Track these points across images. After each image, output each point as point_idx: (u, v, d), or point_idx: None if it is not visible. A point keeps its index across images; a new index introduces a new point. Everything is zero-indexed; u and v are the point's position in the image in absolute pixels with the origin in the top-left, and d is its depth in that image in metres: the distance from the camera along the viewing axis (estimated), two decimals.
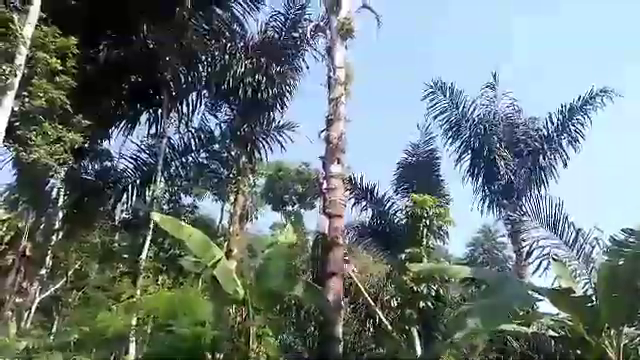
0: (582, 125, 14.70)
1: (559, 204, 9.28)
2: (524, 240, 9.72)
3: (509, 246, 15.07)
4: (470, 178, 15.43)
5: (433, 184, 15.19)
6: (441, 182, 15.68)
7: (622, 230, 6.63)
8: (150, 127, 16.15)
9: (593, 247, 8.43)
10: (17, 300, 11.91)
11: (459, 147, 15.84)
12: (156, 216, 11.87)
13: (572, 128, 14.77)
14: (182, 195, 16.74)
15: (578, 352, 7.85)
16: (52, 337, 11.32)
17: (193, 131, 16.52)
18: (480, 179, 15.01)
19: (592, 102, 14.65)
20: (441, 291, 11.44)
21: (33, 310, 14.69)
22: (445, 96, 16.04)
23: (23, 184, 12.93)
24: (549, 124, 15.17)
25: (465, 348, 15.53)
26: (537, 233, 9.15)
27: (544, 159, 14.89)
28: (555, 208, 9.34)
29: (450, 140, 15.90)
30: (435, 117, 16.01)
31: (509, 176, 14.30)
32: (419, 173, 15.49)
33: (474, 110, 15.97)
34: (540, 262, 8.85)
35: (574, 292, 6.72)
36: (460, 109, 15.93)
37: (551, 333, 7.89)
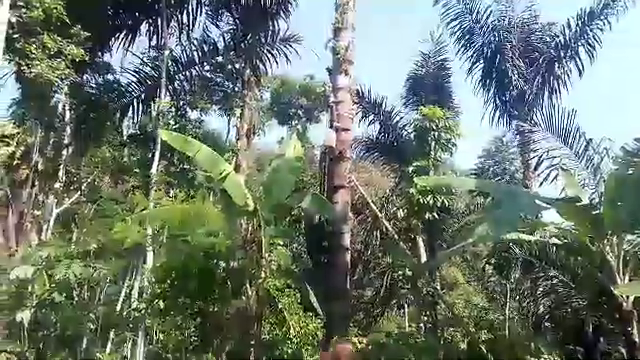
0: (601, 31, 13.97)
1: (571, 114, 9.09)
2: (534, 151, 9.64)
3: (519, 158, 15.03)
4: (482, 89, 15.05)
5: (443, 97, 14.87)
6: (451, 94, 15.35)
7: (635, 139, 6.53)
8: (151, 39, 15.64)
9: (602, 158, 8.37)
10: (35, 212, 12.33)
11: (471, 56, 15.25)
12: (164, 133, 11.87)
13: (590, 34, 14.06)
14: (188, 110, 16.57)
15: (579, 259, 8.10)
16: (72, 247, 11.84)
17: (195, 43, 15.98)
18: (492, 89, 14.61)
19: (613, 6, 13.81)
20: (446, 202, 11.65)
21: (52, 223, 15.26)
22: (459, 1, 15.18)
23: (28, 99, 12.84)
24: (566, 30, 14.42)
25: (469, 256, 16.22)
26: (547, 144, 9.07)
27: (559, 67, 14.35)
28: (567, 118, 9.16)
29: (462, 49, 15.27)
30: (448, 24, 15.26)
31: (521, 86, 13.89)
32: (429, 85, 15.11)
33: (488, 16, 15.16)
34: (549, 173, 8.87)
35: (580, 200, 6.79)
36: (474, 15, 15.13)
37: (554, 241, 8.10)
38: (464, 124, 11.99)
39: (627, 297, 6.81)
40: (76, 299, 9.30)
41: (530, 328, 10.97)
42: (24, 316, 9.04)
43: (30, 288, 9.04)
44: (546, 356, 6.31)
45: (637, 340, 6.65)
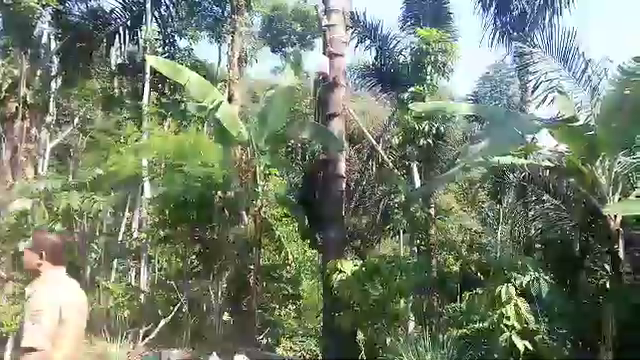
0: None
1: (571, 34, 8.79)
2: (532, 74, 9.42)
3: (517, 82, 14.74)
4: (481, 9, 14.42)
5: (441, 19, 14.29)
6: (450, 16, 14.74)
7: (634, 58, 6.34)
8: None
9: (601, 79, 8.21)
10: (29, 146, 12.25)
11: None
12: (151, 59, 11.55)
13: None
14: (176, 38, 16.00)
15: (571, 181, 8.19)
16: (69, 179, 11.90)
17: None
18: (491, 10, 14.01)
19: None
20: (442, 129, 11.59)
21: (46, 157, 15.25)
22: None
23: (10, 29, 12.35)
24: None
25: (463, 183, 16.41)
26: (546, 66, 8.83)
27: None
28: (567, 39, 8.86)
29: None
30: None
31: (522, 5, 13.32)
32: (427, 6, 14.46)
33: None
34: (546, 96, 8.72)
35: (576, 121, 6.74)
36: None
37: (547, 164, 8.14)
38: (463, 49, 11.68)
39: (615, 217, 6.95)
40: (77, 230, 9.46)
41: (521, 250, 11.32)
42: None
43: (30, 219, 9.18)
44: (532, 272, 6.55)
45: (621, 257, 6.88)
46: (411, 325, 9.01)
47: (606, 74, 8.08)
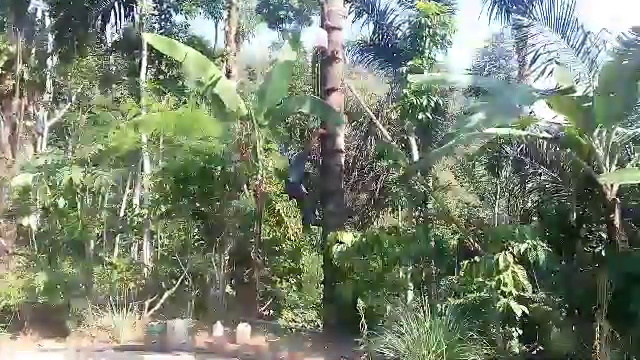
0: None
1: (571, 6, 8.77)
2: (531, 46, 9.41)
3: (515, 56, 14.69)
4: None
5: None
6: None
7: (632, 28, 6.36)
8: None
9: (600, 50, 8.23)
10: (27, 123, 12.26)
11: None
12: (147, 36, 11.50)
13: None
14: (172, 13, 15.81)
15: (568, 151, 8.28)
16: (69, 155, 11.94)
17: None
18: None
19: None
20: (441, 103, 11.58)
21: (45, 135, 15.25)
22: None
23: (3, 4, 12.21)
24: None
25: (461, 157, 16.48)
26: (544, 37, 8.82)
27: None
28: (566, 10, 8.85)
29: None
30: None
31: None
32: None
33: None
34: (544, 68, 8.74)
35: (574, 92, 6.78)
36: None
37: (544, 135, 8.22)
38: (461, 22, 11.57)
39: (611, 186, 7.07)
40: (79, 205, 9.55)
41: (518, 222, 11.47)
42: (30, 221, 9.37)
43: (32, 195, 9.26)
44: (529, 241, 6.68)
45: (617, 225, 7.02)
46: (410, 295, 9.20)
47: (605, 46, 8.10)
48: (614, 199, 7.05)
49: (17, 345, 8.40)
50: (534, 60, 9.22)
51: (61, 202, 8.93)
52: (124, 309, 8.83)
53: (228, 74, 13.94)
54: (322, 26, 10.97)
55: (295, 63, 12.94)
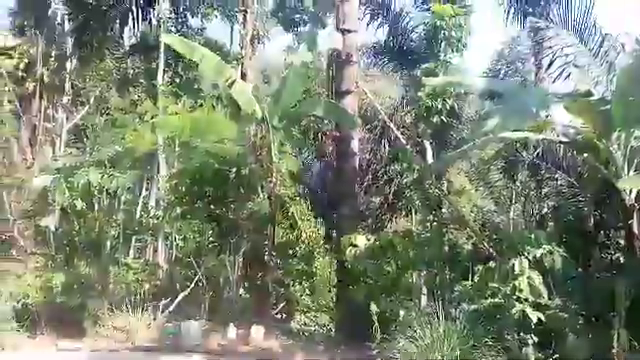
0: None
1: (588, 8, 8.69)
2: (549, 48, 9.31)
3: (531, 59, 14.53)
4: None
5: None
6: None
7: None
8: None
9: (618, 53, 8.12)
10: (47, 125, 12.48)
11: None
12: (167, 38, 11.64)
13: None
14: (189, 16, 15.99)
15: (585, 156, 8.15)
16: (87, 157, 12.10)
17: None
18: None
19: None
20: (456, 106, 11.50)
21: (63, 137, 15.49)
22: None
23: (24, 9, 12.48)
24: None
25: (476, 162, 16.31)
26: (562, 40, 8.73)
27: None
28: (584, 14, 8.77)
29: None
30: None
31: None
32: None
33: None
34: (562, 71, 8.64)
35: (591, 95, 6.69)
36: None
37: (561, 139, 8.12)
38: (477, 25, 11.50)
39: (630, 191, 6.94)
40: (97, 206, 9.68)
41: (534, 227, 11.33)
42: (49, 222, 9.54)
43: (51, 196, 9.42)
44: (546, 246, 6.58)
45: (636, 231, 6.89)
46: (424, 300, 9.14)
47: (623, 49, 7.99)
48: (633, 204, 6.93)
49: (36, 345, 8.51)
50: (551, 63, 9.14)
51: (79, 203, 9.07)
52: (139, 310, 8.91)
53: (243, 77, 14.02)
54: (337, 29, 10.99)
55: (310, 65, 12.97)
